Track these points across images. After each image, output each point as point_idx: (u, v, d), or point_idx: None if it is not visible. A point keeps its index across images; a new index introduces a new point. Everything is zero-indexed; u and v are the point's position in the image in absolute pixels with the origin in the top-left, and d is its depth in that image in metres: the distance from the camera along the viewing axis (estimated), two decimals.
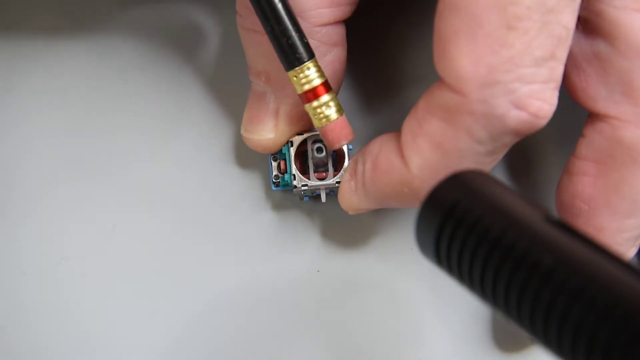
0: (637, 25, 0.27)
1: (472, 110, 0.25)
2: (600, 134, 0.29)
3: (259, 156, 0.33)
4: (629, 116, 0.28)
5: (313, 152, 0.31)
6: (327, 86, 0.29)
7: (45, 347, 0.32)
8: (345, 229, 0.33)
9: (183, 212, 0.33)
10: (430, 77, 0.27)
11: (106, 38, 0.34)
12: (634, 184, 0.28)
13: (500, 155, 0.27)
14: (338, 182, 0.31)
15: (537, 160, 0.34)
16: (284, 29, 0.28)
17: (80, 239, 0.33)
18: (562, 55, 0.25)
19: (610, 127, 0.28)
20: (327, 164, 0.31)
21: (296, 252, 0.33)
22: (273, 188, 0.32)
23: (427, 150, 0.26)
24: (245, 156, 0.33)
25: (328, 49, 0.30)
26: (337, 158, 0.31)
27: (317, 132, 0.31)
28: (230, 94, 0.34)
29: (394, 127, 0.29)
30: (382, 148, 0.28)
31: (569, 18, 0.25)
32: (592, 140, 0.29)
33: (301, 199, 0.33)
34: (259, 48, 0.30)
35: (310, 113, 0.29)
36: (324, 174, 0.31)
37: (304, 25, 0.28)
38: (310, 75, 0.28)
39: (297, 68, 0.28)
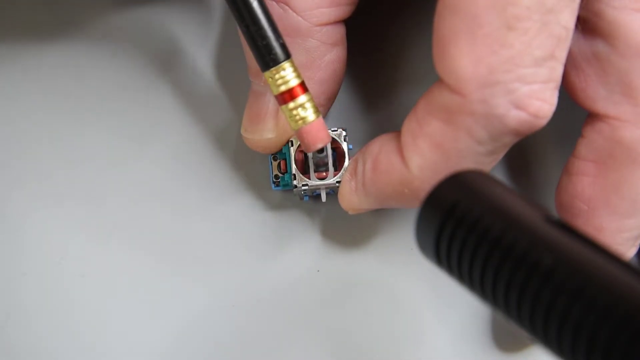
0: (636, 25, 0.27)
1: (472, 111, 0.25)
2: (599, 134, 0.29)
3: (259, 156, 0.33)
4: (629, 116, 0.28)
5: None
6: (304, 87, 0.28)
7: (45, 347, 0.32)
8: (345, 229, 0.33)
9: (183, 212, 0.33)
10: (430, 77, 0.27)
11: (106, 38, 0.34)
12: (634, 184, 0.28)
13: (500, 156, 0.27)
14: (338, 182, 0.31)
15: (537, 160, 0.34)
16: (259, 29, 0.27)
17: (80, 239, 0.33)
18: (562, 55, 0.25)
19: (609, 127, 0.28)
20: (327, 164, 0.31)
21: (296, 252, 0.33)
22: (273, 188, 0.32)
23: (427, 150, 0.26)
24: (245, 156, 0.33)
25: (328, 48, 0.30)
26: (338, 158, 0.31)
27: None
28: (230, 94, 0.34)
29: (394, 127, 0.29)
30: (382, 148, 0.28)
31: (569, 18, 0.25)
32: (592, 141, 0.29)
33: (301, 198, 0.33)
34: None
35: (286, 115, 0.28)
36: (324, 174, 0.31)
37: (304, 25, 0.28)
38: (286, 76, 0.28)
39: (272, 69, 0.27)
